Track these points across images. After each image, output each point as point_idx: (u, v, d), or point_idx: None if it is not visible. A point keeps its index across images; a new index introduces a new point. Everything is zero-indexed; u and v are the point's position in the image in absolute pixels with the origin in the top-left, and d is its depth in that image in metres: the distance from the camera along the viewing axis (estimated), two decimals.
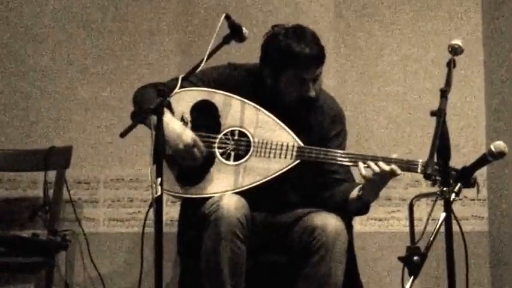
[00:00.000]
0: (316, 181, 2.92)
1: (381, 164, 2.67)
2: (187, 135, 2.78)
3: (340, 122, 3.01)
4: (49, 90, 3.97)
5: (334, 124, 2.98)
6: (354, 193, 2.80)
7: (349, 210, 2.85)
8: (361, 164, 2.69)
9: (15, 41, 4.00)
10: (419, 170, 2.68)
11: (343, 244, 2.75)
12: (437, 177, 2.35)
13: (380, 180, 2.70)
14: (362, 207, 2.82)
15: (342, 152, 2.79)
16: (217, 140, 2.85)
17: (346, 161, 2.76)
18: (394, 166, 2.65)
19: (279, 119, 2.84)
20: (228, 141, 2.85)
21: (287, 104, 2.88)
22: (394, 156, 2.70)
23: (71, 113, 3.96)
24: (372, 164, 2.67)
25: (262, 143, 2.82)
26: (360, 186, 2.77)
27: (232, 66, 3.01)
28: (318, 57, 2.83)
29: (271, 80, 2.88)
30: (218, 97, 2.89)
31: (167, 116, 2.69)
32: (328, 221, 2.76)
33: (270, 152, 2.81)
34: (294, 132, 2.82)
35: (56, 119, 3.95)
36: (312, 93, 2.85)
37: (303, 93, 2.84)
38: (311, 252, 2.74)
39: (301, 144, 2.80)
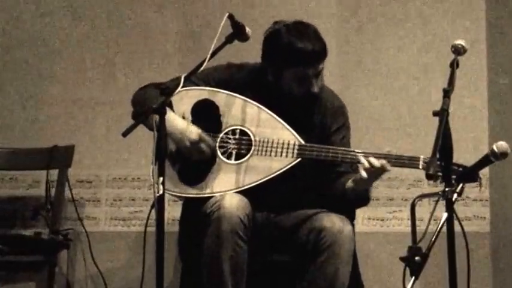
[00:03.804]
0: (319, 177, 2.92)
1: (372, 159, 2.68)
2: (192, 131, 2.78)
3: (343, 115, 3.00)
4: (51, 89, 3.97)
5: (336, 118, 2.98)
6: (349, 184, 2.81)
7: (348, 201, 2.86)
8: (362, 159, 2.70)
9: (17, 43, 4.00)
10: (420, 166, 2.69)
11: (350, 245, 2.76)
12: (438, 173, 2.34)
13: (372, 176, 2.71)
14: (359, 197, 2.83)
15: (343, 149, 2.79)
16: (218, 139, 2.85)
17: (347, 159, 2.76)
18: (383, 161, 2.67)
19: (282, 117, 2.84)
20: (229, 140, 2.85)
21: (289, 101, 2.88)
22: (387, 149, 2.73)
23: (73, 112, 3.96)
24: (363, 159, 2.69)
25: (264, 141, 2.82)
26: (353, 178, 2.79)
27: (233, 66, 3.00)
28: (321, 53, 2.83)
29: (274, 77, 2.88)
30: (219, 96, 2.89)
31: (170, 114, 2.68)
32: (336, 222, 2.77)
33: (271, 151, 2.81)
34: (296, 130, 2.82)
35: (58, 118, 3.96)
36: (315, 89, 2.85)
37: (307, 90, 2.84)
38: (318, 252, 2.75)
39: (302, 142, 2.81)
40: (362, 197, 2.85)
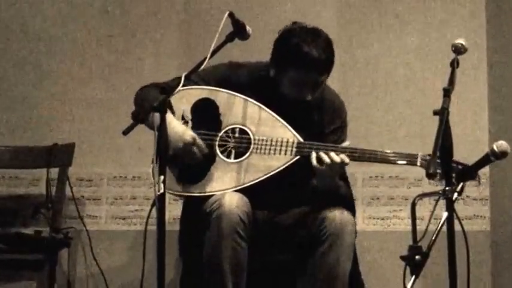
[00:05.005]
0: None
1: (332, 154, 2.71)
2: (188, 133, 2.78)
3: (339, 117, 3.01)
4: (51, 88, 3.98)
5: (334, 118, 2.99)
6: (314, 182, 2.85)
7: (319, 197, 2.88)
8: (313, 154, 2.73)
9: (18, 43, 4.01)
10: (418, 163, 2.70)
11: (351, 235, 2.78)
12: (438, 171, 2.35)
13: (332, 170, 2.75)
14: (329, 191, 2.86)
15: (341, 146, 2.80)
16: (217, 138, 2.85)
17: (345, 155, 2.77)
18: (342, 156, 2.71)
19: (281, 115, 2.84)
20: (228, 139, 2.85)
21: (287, 99, 2.88)
22: (347, 142, 2.78)
23: (73, 110, 3.97)
24: (323, 155, 2.72)
25: (263, 140, 2.83)
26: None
27: (234, 65, 3.01)
28: (324, 63, 2.81)
29: (275, 74, 2.88)
30: (220, 95, 2.90)
31: (168, 115, 2.68)
32: (337, 213, 2.79)
33: (270, 149, 2.81)
34: (296, 128, 2.83)
35: (58, 116, 3.96)
36: (308, 98, 2.85)
37: (300, 95, 2.84)
38: (319, 242, 2.77)
39: (301, 140, 2.81)
40: (332, 191, 2.87)
